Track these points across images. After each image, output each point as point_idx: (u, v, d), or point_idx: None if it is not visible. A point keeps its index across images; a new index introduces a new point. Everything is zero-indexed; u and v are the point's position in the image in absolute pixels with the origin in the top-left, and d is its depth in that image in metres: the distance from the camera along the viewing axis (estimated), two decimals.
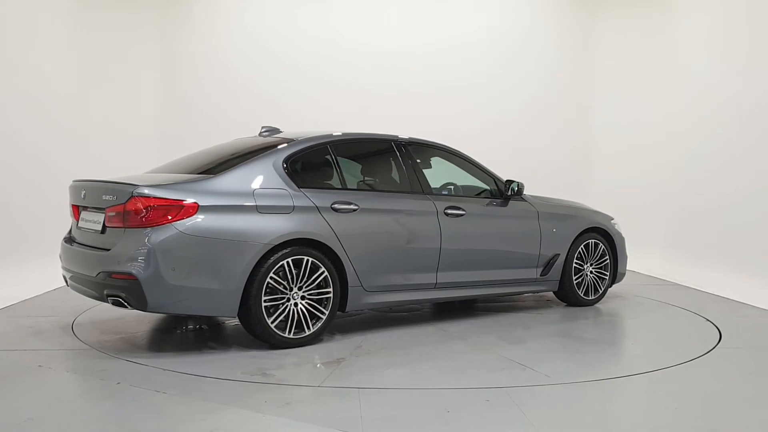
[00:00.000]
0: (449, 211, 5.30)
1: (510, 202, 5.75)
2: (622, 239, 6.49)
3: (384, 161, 5.50)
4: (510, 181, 5.75)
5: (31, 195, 7.21)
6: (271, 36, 9.43)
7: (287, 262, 4.44)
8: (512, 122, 9.85)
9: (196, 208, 4.19)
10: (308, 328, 4.54)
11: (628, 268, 6.68)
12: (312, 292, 4.56)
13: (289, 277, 4.46)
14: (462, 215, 5.37)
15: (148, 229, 4.10)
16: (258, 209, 4.41)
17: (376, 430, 3.10)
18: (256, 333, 4.45)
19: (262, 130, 5.47)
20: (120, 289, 4.18)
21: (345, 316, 5.61)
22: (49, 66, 7.88)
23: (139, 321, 5.32)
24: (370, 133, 5.48)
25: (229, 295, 4.25)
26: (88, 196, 4.60)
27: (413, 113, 9.32)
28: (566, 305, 6.20)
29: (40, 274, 6.67)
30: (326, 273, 4.59)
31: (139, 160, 7.24)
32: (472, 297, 5.70)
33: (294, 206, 4.55)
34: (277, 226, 4.42)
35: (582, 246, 6.09)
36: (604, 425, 3.28)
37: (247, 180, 4.50)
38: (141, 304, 4.13)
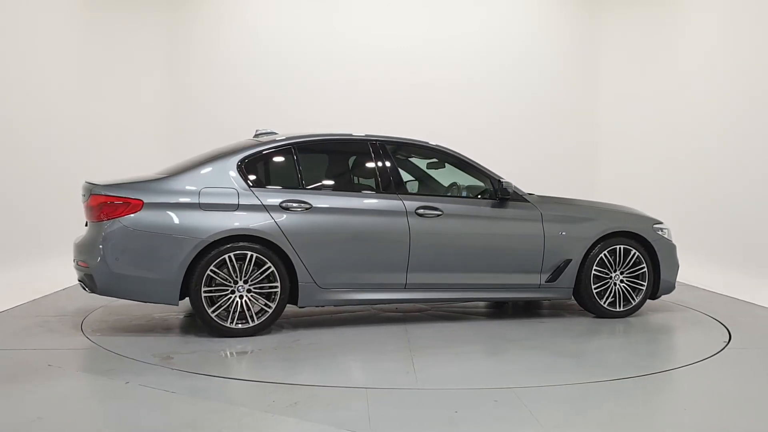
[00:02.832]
0: (422, 211, 5.19)
1: (509, 202, 5.45)
2: (670, 246, 5.82)
3: (353, 162, 5.57)
4: (500, 182, 5.44)
5: (42, 196, 7.22)
6: (276, 37, 9.39)
7: (229, 257, 4.72)
8: (516, 122, 9.74)
9: (140, 205, 4.65)
10: (252, 320, 4.79)
11: None
12: (264, 286, 4.81)
13: (232, 271, 4.73)
14: (438, 215, 5.23)
15: (102, 222, 4.67)
16: (201, 207, 4.75)
17: (384, 430, 3.10)
18: (201, 321, 4.79)
19: (257, 132, 5.60)
20: (82, 274, 4.83)
21: (334, 312, 5.65)
22: (58, 67, 7.90)
23: (147, 320, 5.34)
24: (338, 133, 5.49)
25: (169, 284, 4.67)
26: (82, 195, 5.02)
27: (420, 113, 9.26)
28: (595, 316, 5.63)
29: (50, 274, 6.70)
30: (273, 268, 4.78)
31: (153, 161, 7.20)
32: (457, 300, 5.52)
33: (239, 204, 4.82)
34: (217, 223, 4.73)
35: (606, 252, 5.57)
36: (612, 425, 3.27)
37: (197, 180, 4.86)
38: (93, 288, 4.75)
